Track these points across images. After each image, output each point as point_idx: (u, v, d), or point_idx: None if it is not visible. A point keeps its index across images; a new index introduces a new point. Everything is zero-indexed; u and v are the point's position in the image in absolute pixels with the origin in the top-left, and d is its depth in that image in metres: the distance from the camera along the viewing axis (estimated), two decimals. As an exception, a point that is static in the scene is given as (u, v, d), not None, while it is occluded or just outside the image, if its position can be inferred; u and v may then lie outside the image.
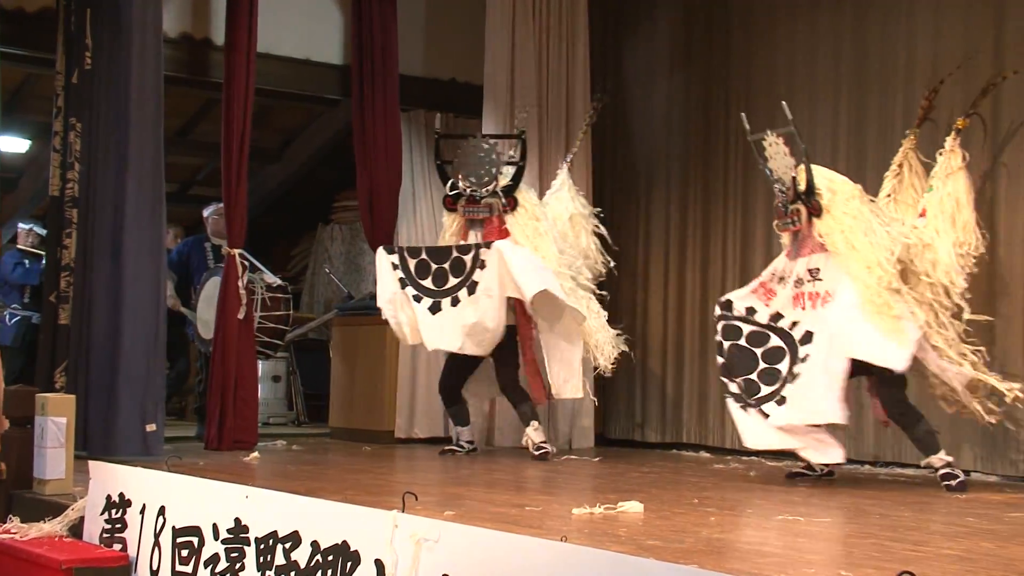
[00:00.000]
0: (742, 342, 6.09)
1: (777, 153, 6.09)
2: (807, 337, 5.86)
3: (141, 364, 6.81)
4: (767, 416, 5.87)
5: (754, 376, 5.97)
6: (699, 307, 8.38)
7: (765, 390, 5.90)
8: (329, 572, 3.53)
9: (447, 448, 7.53)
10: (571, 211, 7.67)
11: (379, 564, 3.36)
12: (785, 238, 6.26)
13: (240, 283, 7.60)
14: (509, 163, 7.41)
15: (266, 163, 10.92)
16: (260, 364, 8.76)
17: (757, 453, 7.78)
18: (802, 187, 5.98)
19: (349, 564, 3.47)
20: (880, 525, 4.65)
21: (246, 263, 7.71)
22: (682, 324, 8.49)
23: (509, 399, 7.37)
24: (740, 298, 6.26)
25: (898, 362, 5.64)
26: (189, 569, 4.12)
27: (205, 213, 8.71)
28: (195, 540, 4.13)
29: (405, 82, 8.52)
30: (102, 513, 4.72)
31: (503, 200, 7.16)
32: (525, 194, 7.33)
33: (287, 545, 3.72)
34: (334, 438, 8.79)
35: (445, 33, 8.94)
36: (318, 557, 3.58)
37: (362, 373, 8.68)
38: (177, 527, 4.25)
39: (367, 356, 8.65)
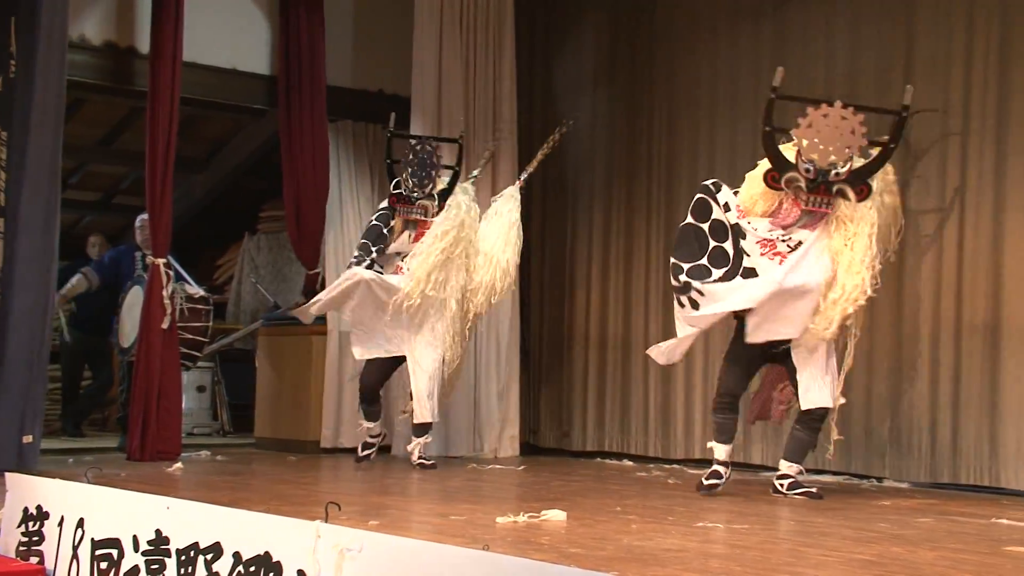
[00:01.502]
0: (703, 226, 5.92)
1: (838, 127, 5.78)
2: (748, 273, 5.79)
3: (23, 374, 6.55)
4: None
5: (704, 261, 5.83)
6: (622, 317, 8.45)
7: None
8: (251, 583, 3.50)
9: (361, 456, 7.48)
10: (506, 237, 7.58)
11: (301, 575, 3.34)
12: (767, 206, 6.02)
13: (164, 293, 7.50)
14: (446, 167, 7.44)
15: (192, 172, 10.79)
16: (184, 374, 8.64)
17: (679, 461, 7.88)
18: (857, 168, 5.78)
19: (271, 575, 3.44)
20: (795, 531, 4.72)
21: (171, 272, 7.61)
22: (605, 334, 8.55)
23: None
24: (727, 196, 6.02)
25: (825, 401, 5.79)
26: (109, 581, 4.06)
27: (137, 223, 8.59)
28: (115, 552, 4.06)
29: (333, 93, 8.47)
30: (19, 526, 4.62)
31: (437, 203, 7.23)
32: (460, 197, 7.35)
33: (208, 556, 3.68)
34: (259, 448, 8.70)
35: (373, 45, 8.91)
36: (240, 568, 3.54)
37: (288, 383, 8.62)
38: (96, 539, 4.18)
39: (293, 366, 8.59)
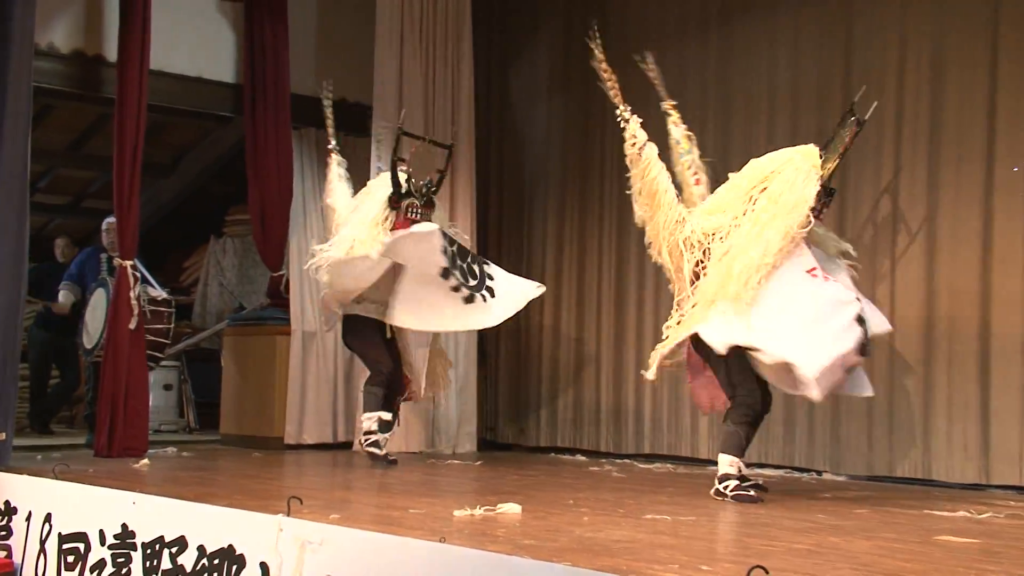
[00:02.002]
0: None
1: (841, 141, 5.67)
2: None
3: None
4: None
5: None
6: (575, 317, 8.49)
7: None
8: (215, 575, 3.48)
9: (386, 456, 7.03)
10: None
11: (264, 567, 3.34)
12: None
13: (132, 294, 7.43)
14: (438, 171, 7.27)
15: (159, 177, 10.69)
16: (151, 373, 8.57)
17: (629, 456, 7.91)
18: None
19: (235, 567, 3.44)
20: (738, 522, 4.75)
21: (138, 275, 7.55)
22: (558, 333, 8.58)
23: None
24: None
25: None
26: (75, 575, 4.03)
27: (103, 225, 8.51)
28: (81, 546, 4.04)
29: (296, 100, 8.43)
30: (-12, 521, 4.59)
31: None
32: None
33: (173, 549, 3.67)
34: (225, 445, 8.64)
35: (336, 54, 8.87)
36: (204, 561, 3.54)
37: (253, 381, 8.56)
38: (64, 533, 4.15)
39: (258, 365, 8.54)
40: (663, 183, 5.77)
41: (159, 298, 7.83)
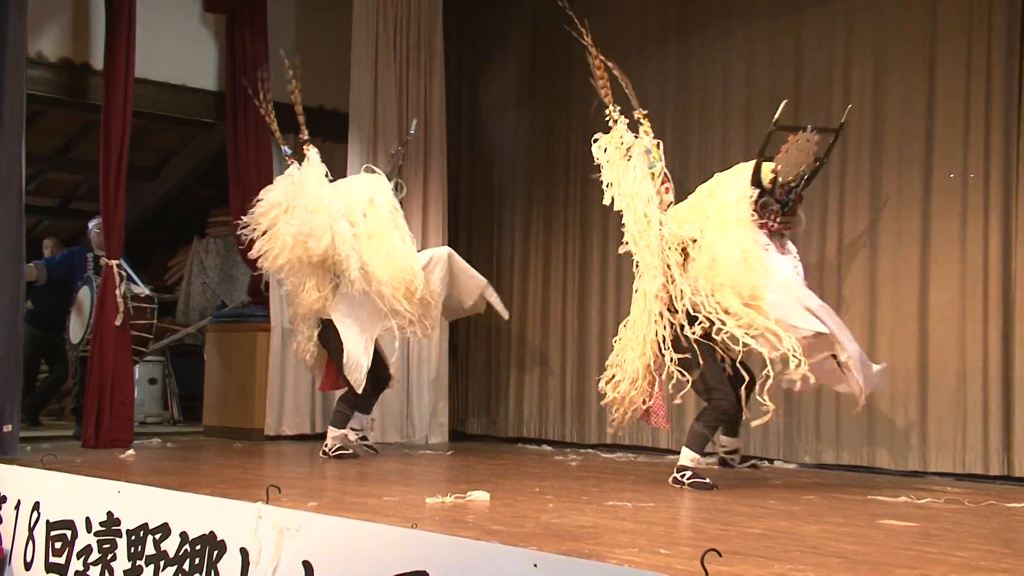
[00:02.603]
0: None
1: (802, 149, 5.56)
2: None
3: (0, 370, 6.46)
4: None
5: None
6: (540, 312, 8.49)
7: None
8: (197, 561, 3.46)
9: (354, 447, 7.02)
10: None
11: (244, 552, 3.32)
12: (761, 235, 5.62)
13: (118, 292, 7.39)
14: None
15: (144, 180, 10.61)
16: (137, 367, 8.52)
17: (592, 446, 7.92)
18: (802, 184, 5.65)
19: (216, 552, 3.41)
20: (695, 508, 4.78)
21: (123, 273, 7.50)
22: (524, 328, 8.58)
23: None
24: None
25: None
26: (62, 561, 3.99)
27: (90, 226, 8.44)
28: (68, 533, 3.99)
29: (276, 108, 8.35)
30: (-22, 510, 4.53)
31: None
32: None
33: (157, 536, 3.64)
34: (207, 436, 8.58)
35: (314, 64, 8.80)
36: (186, 547, 3.51)
37: (234, 375, 8.52)
38: (51, 521, 4.11)
39: (239, 359, 8.49)
40: (647, 184, 5.72)
41: (142, 295, 7.80)
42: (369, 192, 6.95)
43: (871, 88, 6.68)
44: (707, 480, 5.44)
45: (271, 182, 8.35)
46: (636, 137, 5.82)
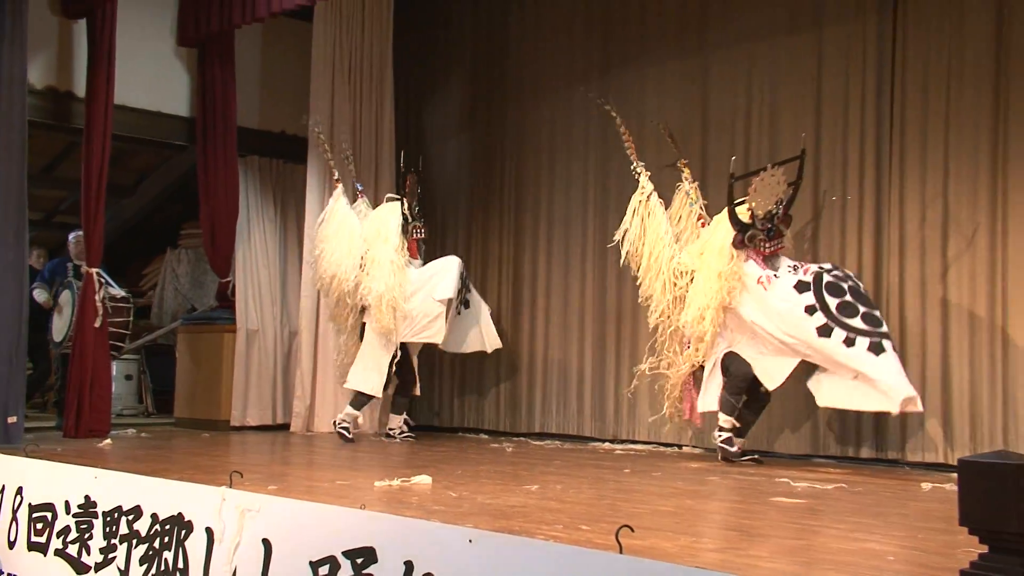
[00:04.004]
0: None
1: (772, 183, 5.82)
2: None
3: (4, 365, 6.40)
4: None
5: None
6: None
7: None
8: (166, 539, 3.41)
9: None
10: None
11: (209, 532, 3.27)
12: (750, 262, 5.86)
13: (97, 296, 7.27)
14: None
15: (122, 197, 10.41)
16: (115, 364, 8.38)
17: (523, 434, 7.93)
18: (783, 209, 5.83)
19: (184, 532, 3.36)
20: (613, 489, 4.81)
21: (102, 279, 7.38)
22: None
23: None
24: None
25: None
26: (43, 540, 3.91)
27: (69, 238, 8.30)
28: (49, 515, 3.91)
29: (242, 133, 8.30)
30: (-34, 494, 4.41)
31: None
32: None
33: (130, 517, 3.58)
34: (178, 426, 8.45)
35: (277, 93, 8.76)
36: (157, 527, 3.46)
37: (203, 372, 8.40)
38: (33, 504, 4.02)
39: (207, 357, 8.38)
40: (664, 225, 6.18)
41: (119, 296, 7.68)
42: (377, 224, 7.39)
43: (767, 122, 6.80)
44: (733, 449, 5.81)
45: (236, 200, 8.31)
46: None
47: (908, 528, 3.81)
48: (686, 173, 6.31)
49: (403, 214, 7.32)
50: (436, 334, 7.21)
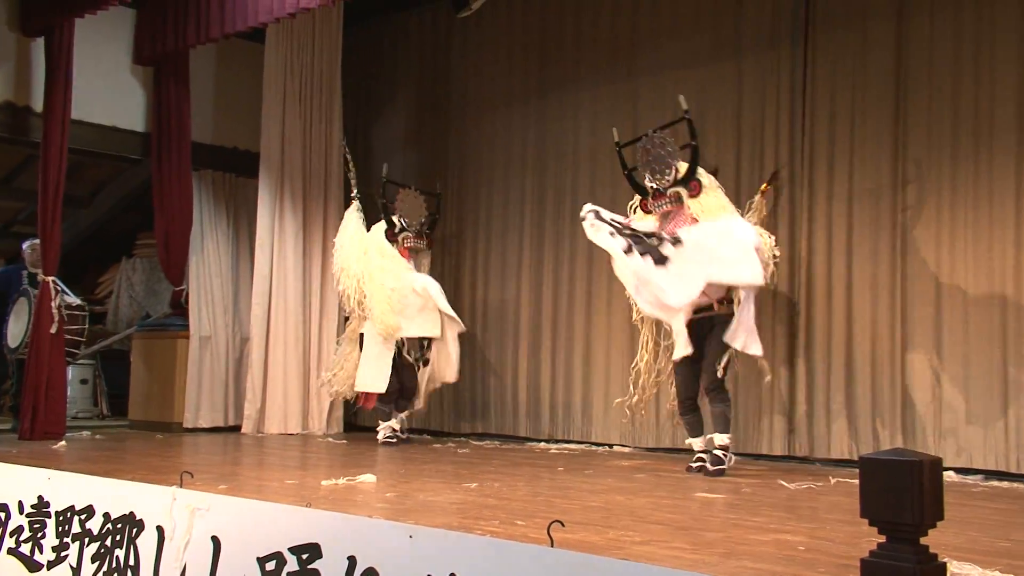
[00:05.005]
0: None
1: (663, 146, 5.61)
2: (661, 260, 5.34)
3: None
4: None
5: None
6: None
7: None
8: (118, 538, 3.34)
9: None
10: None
11: (160, 530, 3.21)
12: (649, 220, 5.71)
13: (53, 304, 7.10)
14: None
15: (78, 208, 10.16)
16: (71, 369, 8.18)
17: (465, 435, 7.92)
18: (681, 174, 5.57)
19: (135, 530, 3.30)
20: (548, 486, 4.83)
21: (58, 288, 7.20)
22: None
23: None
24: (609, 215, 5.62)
25: (755, 278, 5.21)
26: (-3, 540, 3.79)
27: (24, 246, 8.10)
28: (2, 515, 3.80)
29: (196, 148, 8.17)
30: (-80, 496, 4.27)
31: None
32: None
33: (83, 516, 3.49)
34: (133, 429, 8.28)
35: (230, 110, 8.64)
36: (109, 525, 3.38)
37: (157, 376, 8.24)
38: (-13, 505, 3.90)
39: (161, 362, 8.23)
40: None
41: (74, 304, 7.51)
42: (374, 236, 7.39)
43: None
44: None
45: (191, 210, 8.18)
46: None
47: (817, 520, 3.88)
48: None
49: (391, 220, 7.31)
50: (432, 328, 7.14)
